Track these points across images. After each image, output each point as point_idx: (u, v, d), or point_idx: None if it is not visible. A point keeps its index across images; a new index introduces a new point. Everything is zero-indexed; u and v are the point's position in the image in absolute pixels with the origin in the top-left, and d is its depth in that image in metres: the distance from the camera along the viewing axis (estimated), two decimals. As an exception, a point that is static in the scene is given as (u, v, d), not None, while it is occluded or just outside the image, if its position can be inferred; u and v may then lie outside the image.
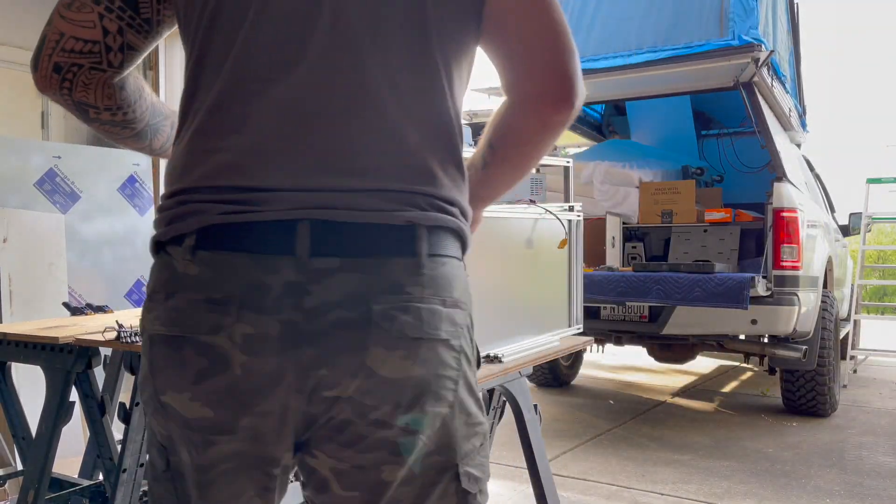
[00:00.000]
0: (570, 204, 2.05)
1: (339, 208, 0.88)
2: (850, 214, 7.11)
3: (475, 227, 1.17)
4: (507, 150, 1.06)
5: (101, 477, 2.68)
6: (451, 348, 0.94)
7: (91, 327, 2.15)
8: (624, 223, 5.31)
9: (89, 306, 2.57)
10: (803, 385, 4.96)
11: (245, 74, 0.91)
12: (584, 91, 0.99)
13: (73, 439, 3.27)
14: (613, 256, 5.14)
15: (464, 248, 1.00)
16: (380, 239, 0.89)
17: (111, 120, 1.07)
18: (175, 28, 1.03)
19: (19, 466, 2.97)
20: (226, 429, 0.91)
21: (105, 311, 2.58)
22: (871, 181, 7.10)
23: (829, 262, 5.39)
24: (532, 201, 1.91)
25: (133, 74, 1.07)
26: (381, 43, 0.92)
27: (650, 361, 6.41)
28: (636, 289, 4.37)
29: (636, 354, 7.57)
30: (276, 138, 0.90)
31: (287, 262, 0.87)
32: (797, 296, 4.37)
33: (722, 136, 6.27)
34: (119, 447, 2.05)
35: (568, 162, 2.11)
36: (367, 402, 0.91)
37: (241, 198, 0.88)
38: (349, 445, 0.93)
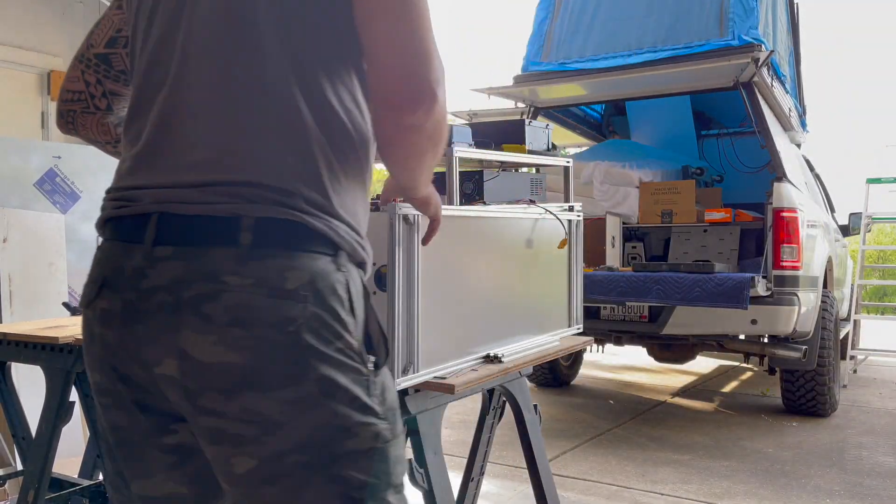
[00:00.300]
0: (570, 204, 2.04)
1: (178, 202, 0.99)
2: (850, 214, 7.12)
3: (426, 209, 1.28)
4: (384, 152, 1.09)
5: (101, 477, 2.68)
6: (288, 339, 0.95)
7: (91, 327, 2.14)
8: (624, 223, 5.31)
9: (89, 306, 2.56)
10: (803, 385, 4.96)
11: (140, 98, 1.08)
12: (440, 95, 1.01)
13: (73, 439, 3.27)
14: (613, 256, 5.14)
15: (321, 240, 0.99)
16: (204, 229, 0.97)
17: (115, 151, 1.30)
18: None
19: (19, 466, 2.97)
20: (108, 391, 1.06)
21: (105, 311, 2.57)
22: (871, 181, 7.10)
23: (829, 262, 5.39)
24: (532, 201, 1.91)
25: None
26: (220, 53, 1.02)
27: (650, 361, 6.41)
28: (636, 289, 4.37)
29: (636, 354, 7.57)
30: (150, 145, 1.05)
31: (138, 249, 1.00)
32: (797, 296, 4.37)
33: (722, 136, 6.27)
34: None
35: (568, 162, 2.10)
36: (190, 385, 0.97)
37: (126, 195, 1.04)
38: (202, 435, 1.00)
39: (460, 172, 1.69)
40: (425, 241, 1.37)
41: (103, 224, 1.07)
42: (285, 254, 0.97)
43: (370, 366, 1.02)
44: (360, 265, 1.06)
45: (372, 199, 1.64)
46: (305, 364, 0.96)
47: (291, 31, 1.01)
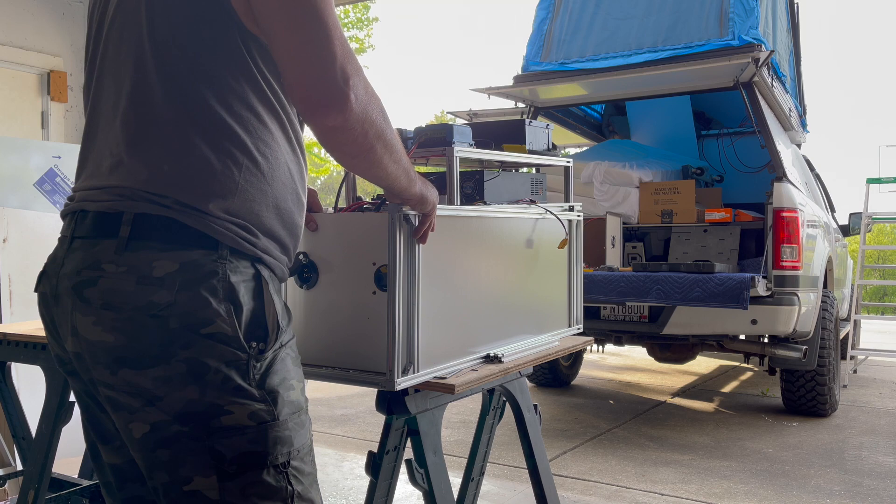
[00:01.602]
0: (571, 204, 2.04)
1: (88, 201, 1.16)
2: (850, 214, 7.12)
3: (423, 207, 1.36)
4: (339, 162, 1.17)
5: (101, 477, 2.68)
6: (154, 322, 1.06)
7: (91, 327, 2.14)
8: (624, 223, 5.31)
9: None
10: (803, 385, 4.96)
11: (88, 119, 1.27)
12: (351, 94, 1.04)
13: (73, 439, 3.27)
14: (613, 256, 5.14)
15: (196, 235, 1.08)
16: (98, 224, 1.13)
17: None
18: None
19: (19, 466, 2.97)
20: (64, 361, 1.22)
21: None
22: (871, 181, 7.11)
23: (829, 262, 5.39)
24: (532, 201, 1.91)
25: None
26: (118, 73, 1.17)
27: (650, 361, 6.41)
28: (636, 289, 4.37)
29: (636, 354, 7.57)
30: (82, 153, 1.26)
31: (65, 240, 1.18)
32: (797, 296, 4.37)
33: (722, 136, 6.26)
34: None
35: (568, 162, 2.10)
36: (85, 359, 1.12)
37: (71, 196, 1.23)
38: (105, 404, 1.13)
39: (461, 172, 1.69)
40: (417, 236, 1.42)
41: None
42: (159, 246, 1.09)
43: (252, 351, 1.10)
44: (258, 260, 1.14)
45: (373, 198, 1.64)
46: (171, 346, 1.06)
47: (172, 54, 1.12)
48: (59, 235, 1.22)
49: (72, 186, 1.29)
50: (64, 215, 1.22)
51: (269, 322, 1.13)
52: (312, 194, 1.56)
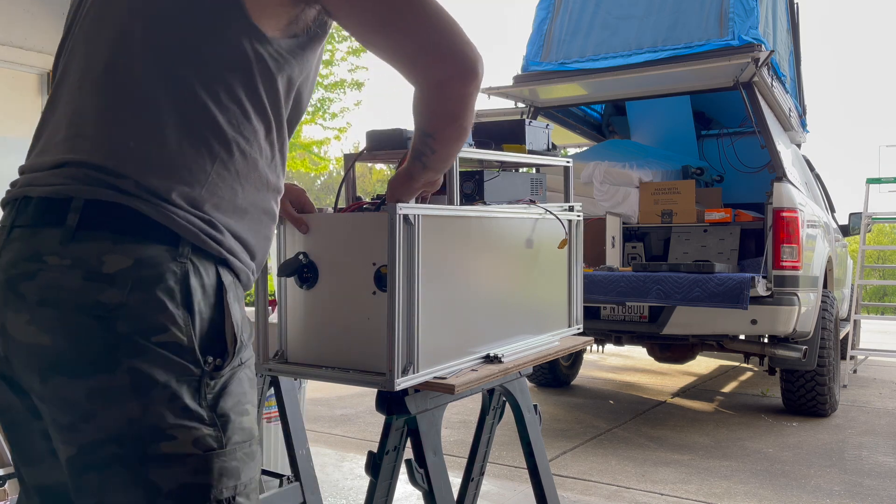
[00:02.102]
0: (570, 204, 2.04)
1: (31, 186, 1.02)
2: (850, 214, 7.12)
3: (435, 186, 1.38)
4: (444, 131, 1.19)
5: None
6: (98, 325, 0.92)
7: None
8: (624, 223, 5.30)
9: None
10: (803, 385, 4.96)
11: (52, 92, 1.15)
12: (478, 54, 1.09)
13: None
14: (613, 256, 5.13)
15: (156, 228, 0.97)
16: (42, 211, 0.99)
17: None
18: None
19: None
20: None
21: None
22: (871, 181, 7.11)
23: (829, 262, 5.39)
24: (532, 201, 1.91)
25: None
26: (93, 48, 1.08)
27: (650, 361, 6.40)
28: (636, 289, 4.36)
29: (636, 354, 7.57)
30: (40, 131, 1.12)
31: (2, 231, 1.03)
32: (797, 296, 4.36)
33: (722, 136, 6.27)
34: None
35: (568, 162, 2.10)
36: (14, 364, 0.98)
37: (13, 182, 1.09)
38: (45, 420, 0.99)
39: (460, 172, 1.69)
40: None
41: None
42: (111, 237, 0.95)
43: (208, 366, 0.97)
44: (222, 262, 1.03)
45: (373, 198, 1.64)
46: (117, 353, 0.92)
47: (163, 31, 1.04)
48: None
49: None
50: (4, 204, 1.08)
51: (228, 335, 1.01)
52: (301, 193, 1.55)
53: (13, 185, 1.08)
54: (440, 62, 1.08)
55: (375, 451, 1.67)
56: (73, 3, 1.19)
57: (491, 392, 2.08)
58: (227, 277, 1.04)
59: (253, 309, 1.60)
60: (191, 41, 1.04)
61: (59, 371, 0.94)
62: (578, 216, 2.06)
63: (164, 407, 0.94)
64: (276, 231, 1.23)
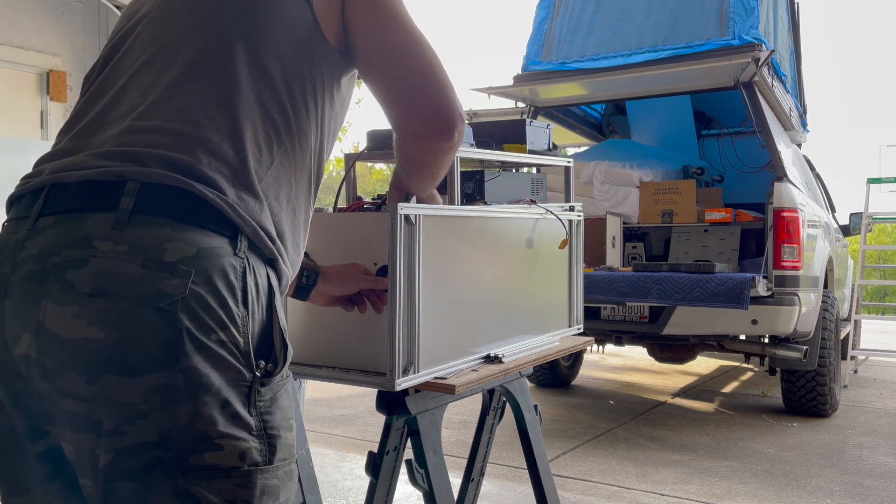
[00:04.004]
0: (571, 204, 2.04)
1: (71, 170, 0.94)
2: (851, 214, 7.12)
3: (431, 200, 1.41)
4: (416, 172, 1.23)
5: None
6: (159, 317, 0.85)
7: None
8: (624, 223, 5.30)
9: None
10: (804, 385, 4.96)
11: (99, 82, 1.11)
12: (462, 116, 1.10)
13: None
14: (613, 256, 5.13)
15: (217, 217, 0.93)
16: (87, 194, 0.91)
17: None
18: None
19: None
20: None
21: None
22: (871, 181, 7.11)
23: (830, 262, 5.38)
24: (533, 201, 1.91)
25: None
26: (163, 36, 1.07)
27: (650, 361, 6.40)
28: (636, 289, 4.36)
29: (636, 354, 7.57)
30: (78, 117, 1.06)
31: (21, 222, 0.94)
32: (797, 296, 4.36)
33: (722, 136, 6.26)
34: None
35: (568, 162, 2.10)
36: (48, 364, 0.87)
37: (31, 173, 1.01)
38: (64, 422, 0.89)
39: (461, 172, 1.69)
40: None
41: (7, 206, 1.01)
42: (170, 224, 0.89)
43: (258, 372, 0.92)
44: (270, 262, 0.99)
45: (373, 198, 1.63)
46: (175, 349, 0.85)
47: (256, 33, 1.04)
48: (10, 220, 0.98)
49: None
50: (19, 197, 0.98)
51: (277, 340, 0.96)
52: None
53: (29, 177, 0.99)
54: (418, 115, 1.09)
55: (375, 451, 1.67)
56: (126, 11, 1.19)
57: (491, 392, 2.08)
58: (274, 279, 1.00)
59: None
60: (264, 28, 1.05)
61: (111, 368, 0.85)
62: (579, 216, 2.06)
63: (215, 412, 0.88)
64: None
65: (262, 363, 0.93)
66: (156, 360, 0.85)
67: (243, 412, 0.90)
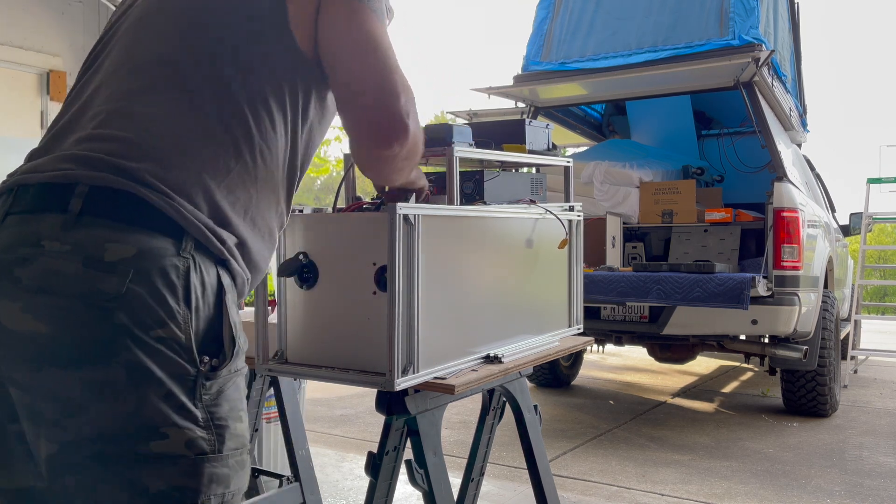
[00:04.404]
0: (571, 204, 2.04)
1: (31, 173, 1.00)
2: (851, 214, 7.12)
3: (413, 185, 1.38)
4: (368, 174, 1.20)
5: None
6: (97, 314, 0.90)
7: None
8: (624, 223, 5.30)
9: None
10: (804, 385, 4.96)
11: (81, 84, 1.16)
12: (411, 126, 1.08)
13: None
14: (613, 256, 5.13)
15: (161, 219, 0.96)
16: (43, 196, 0.97)
17: None
18: None
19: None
20: None
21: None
22: (871, 181, 7.11)
23: (830, 262, 5.38)
24: (532, 201, 1.91)
25: None
26: (130, 40, 1.12)
27: (650, 361, 6.40)
28: (636, 289, 4.36)
29: (636, 354, 7.57)
30: (58, 120, 1.12)
31: None
32: (797, 296, 4.36)
33: (722, 136, 6.26)
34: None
35: (568, 162, 2.10)
36: (2, 353, 0.93)
37: (12, 171, 1.07)
38: (23, 416, 0.94)
39: (461, 172, 1.69)
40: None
41: None
42: (114, 225, 0.93)
43: (203, 366, 0.96)
44: (222, 263, 1.02)
45: (373, 198, 1.63)
46: (114, 344, 0.90)
47: (211, 36, 1.07)
48: None
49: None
50: None
51: (226, 337, 0.99)
52: None
53: (9, 176, 1.06)
54: (359, 122, 1.09)
55: (375, 451, 1.67)
56: (113, 15, 1.22)
57: (491, 392, 2.08)
58: (226, 279, 1.03)
59: (252, 309, 1.60)
60: (234, 41, 1.07)
61: (52, 361, 0.90)
62: (579, 216, 2.06)
63: (159, 403, 0.91)
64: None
65: (207, 358, 0.96)
66: (94, 355, 0.90)
67: (188, 404, 0.93)
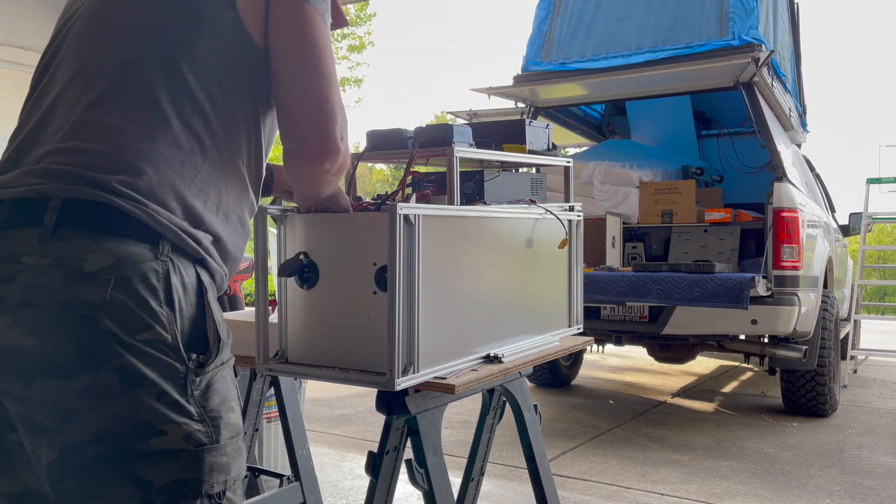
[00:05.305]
0: (571, 204, 2.04)
1: (5, 187, 1.01)
2: (850, 214, 7.13)
3: (336, 204, 1.40)
4: (296, 186, 1.29)
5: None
6: (83, 324, 0.92)
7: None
8: (624, 223, 5.30)
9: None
10: (803, 385, 4.96)
11: (37, 95, 1.18)
12: (342, 148, 1.13)
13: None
14: (613, 256, 5.13)
15: (135, 225, 0.98)
16: (16, 211, 0.98)
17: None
18: None
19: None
20: None
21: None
22: (871, 181, 7.11)
23: (830, 262, 5.39)
24: (532, 201, 1.91)
25: None
26: (85, 50, 1.12)
27: (650, 361, 6.40)
28: (636, 289, 4.36)
29: (636, 354, 7.57)
30: (16, 133, 1.13)
31: None
32: (797, 296, 4.36)
33: (722, 136, 6.26)
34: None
35: (568, 162, 2.10)
36: None
37: None
38: (21, 427, 0.97)
39: (461, 172, 1.69)
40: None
41: None
42: (91, 235, 0.96)
43: (191, 363, 0.99)
44: (200, 262, 1.05)
45: (373, 198, 1.63)
46: (103, 351, 0.93)
47: (166, 33, 1.08)
48: None
49: None
50: None
51: (210, 332, 1.03)
52: (278, 171, 1.57)
53: None
54: (292, 135, 1.12)
55: (375, 451, 1.67)
56: (60, 19, 1.22)
57: (491, 392, 2.08)
58: (206, 277, 1.06)
59: (253, 309, 1.60)
60: (186, 39, 1.08)
61: (44, 373, 0.93)
62: (579, 216, 2.06)
63: (154, 403, 0.94)
64: (247, 241, 1.28)
65: (195, 355, 1.00)
66: (84, 364, 0.92)
67: (181, 401, 0.97)
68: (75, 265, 0.94)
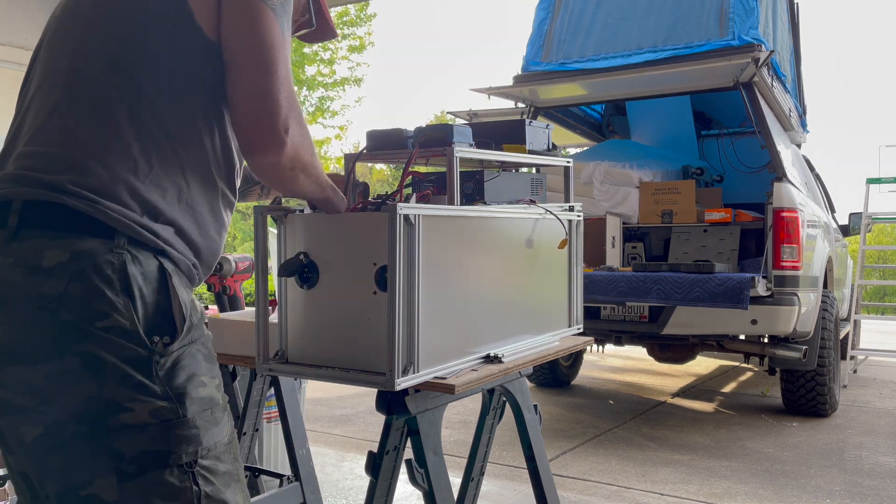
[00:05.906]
0: (571, 204, 2.04)
1: None
2: (850, 214, 7.13)
3: (329, 208, 1.42)
4: (262, 182, 1.28)
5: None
6: (43, 315, 1.01)
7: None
8: (624, 223, 5.30)
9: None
10: (803, 385, 4.96)
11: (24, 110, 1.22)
12: (288, 140, 1.14)
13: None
14: (613, 256, 5.13)
15: (89, 222, 1.05)
16: None
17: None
18: None
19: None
20: None
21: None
22: (871, 181, 7.11)
23: (829, 262, 5.39)
24: (532, 201, 1.91)
25: None
26: (52, 59, 1.19)
27: (650, 361, 6.40)
28: (636, 289, 4.36)
29: (636, 354, 7.57)
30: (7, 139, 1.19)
31: None
32: (797, 296, 4.37)
33: (722, 136, 6.27)
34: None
35: (568, 162, 2.10)
36: None
37: None
38: (4, 411, 1.06)
39: (461, 172, 1.69)
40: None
41: None
42: (48, 234, 1.05)
43: (157, 346, 1.06)
44: (161, 252, 1.11)
45: (373, 197, 1.64)
46: (64, 339, 1.02)
47: (112, 34, 1.13)
48: None
49: None
50: None
51: (176, 315, 1.09)
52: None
53: None
54: (240, 127, 1.15)
55: (375, 451, 1.67)
56: (46, 26, 1.28)
57: (491, 392, 2.08)
58: (169, 265, 1.12)
59: (252, 309, 1.60)
60: (139, 40, 1.13)
61: (14, 360, 1.02)
62: (579, 216, 2.06)
63: (117, 385, 1.02)
64: (227, 234, 1.31)
65: (158, 338, 1.07)
66: (49, 350, 1.02)
67: (145, 381, 1.04)
68: (34, 262, 1.03)
